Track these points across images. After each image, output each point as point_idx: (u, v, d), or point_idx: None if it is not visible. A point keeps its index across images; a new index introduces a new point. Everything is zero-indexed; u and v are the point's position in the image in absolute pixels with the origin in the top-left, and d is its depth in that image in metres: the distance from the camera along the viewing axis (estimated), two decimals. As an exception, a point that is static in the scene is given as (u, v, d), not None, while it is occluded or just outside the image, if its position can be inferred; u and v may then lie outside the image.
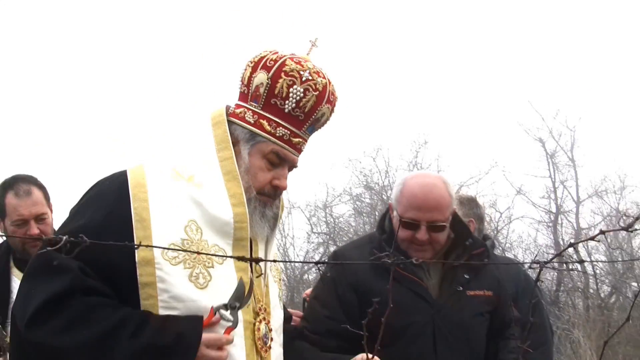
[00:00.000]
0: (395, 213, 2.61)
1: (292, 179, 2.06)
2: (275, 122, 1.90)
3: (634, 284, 12.07)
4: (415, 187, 2.56)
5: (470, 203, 3.88)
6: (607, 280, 12.97)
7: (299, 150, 1.98)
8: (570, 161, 14.59)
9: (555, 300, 12.28)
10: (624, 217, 1.47)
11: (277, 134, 1.90)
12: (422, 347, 2.48)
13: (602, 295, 12.47)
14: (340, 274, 2.56)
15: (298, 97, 1.89)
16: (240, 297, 1.81)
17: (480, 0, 24.17)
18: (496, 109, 24.47)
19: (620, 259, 12.76)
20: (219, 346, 1.74)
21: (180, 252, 1.75)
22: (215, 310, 1.75)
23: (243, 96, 1.97)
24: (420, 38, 24.14)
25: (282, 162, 1.94)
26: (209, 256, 1.78)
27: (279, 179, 1.95)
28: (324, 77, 1.94)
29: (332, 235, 15.19)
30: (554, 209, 14.52)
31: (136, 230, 1.75)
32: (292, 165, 1.98)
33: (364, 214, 15.39)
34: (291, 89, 1.88)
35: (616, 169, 13.77)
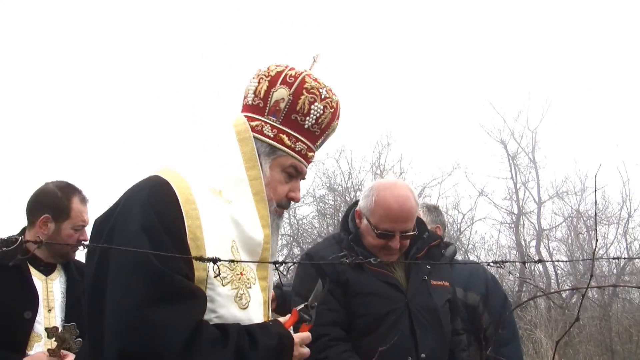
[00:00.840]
0: (365, 220, 2.82)
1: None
2: (294, 137, 1.95)
3: (594, 283, 12.16)
4: (391, 199, 2.73)
5: (436, 210, 4.14)
6: (568, 281, 13.05)
7: (309, 164, 2.05)
8: (532, 163, 14.72)
9: (517, 301, 12.30)
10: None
11: (296, 149, 1.96)
12: (402, 331, 2.70)
13: (563, 295, 12.54)
14: (323, 272, 2.74)
15: (318, 114, 1.96)
16: (319, 298, 1.93)
17: (442, 3, 24.29)
18: (458, 110, 24.65)
19: (580, 260, 12.87)
20: (306, 343, 1.86)
21: (229, 272, 1.76)
22: (298, 312, 1.89)
23: (257, 109, 1.98)
24: (382, 41, 24.16)
25: (298, 175, 2.00)
26: (248, 277, 1.82)
27: (294, 192, 2.00)
28: (336, 95, 2.02)
29: (295, 237, 15.02)
30: (515, 210, 14.63)
31: (191, 249, 1.70)
32: (302, 178, 2.05)
33: (328, 216, 15.26)
34: (312, 106, 1.94)
35: (577, 171, 13.93)
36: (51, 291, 3.03)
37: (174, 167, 1.87)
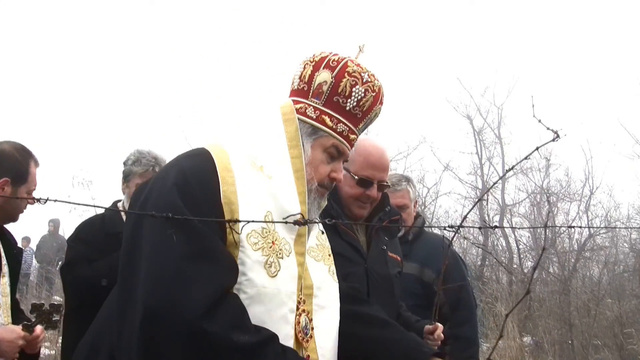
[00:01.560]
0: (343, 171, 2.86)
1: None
2: (336, 118, 2.00)
3: (555, 259, 12.24)
4: (371, 148, 2.80)
5: (416, 185, 4.40)
6: (530, 256, 13.13)
7: (352, 146, 2.08)
8: (497, 138, 14.72)
9: (479, 275, 12.33)
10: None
11: (338, 130, 2.00)
12: None
13: (524, 270, 12.61)
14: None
15: (359, 97, 2.00)
16: None
17: (413, -22, 24.02)
18: (425, 85, 24.57)
19: (536, 228, 12.93)
20: None
21: (260, 239, 1.81)
22: None
23: (302, 93, 2.04)
24: (350, 13, 23.89)
25: (340, 156, 2.04)
26: (280, 248, 1.85)
27: (336, 172, 2.04)
28: (378, 80, 2.05)
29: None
30: (480, 185, 14.66)
31: (225, 213, 1.76)
32: (345, 160, 2.08)
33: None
34: (354, 89, 1.99)
35: (542, 148, 13.82)
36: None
37: (220, 142, 1.95)
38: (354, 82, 1.99)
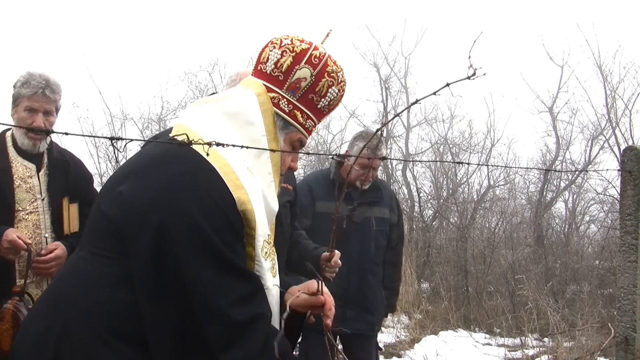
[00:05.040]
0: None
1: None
2: (307, 114, 2.00)
3: (454, 208, 12.38)
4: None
5: None
6: (430, 205, 13.22)
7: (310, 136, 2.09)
8: (403, 88, 14.59)
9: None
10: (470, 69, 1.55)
11: (306, 125, 2.02)
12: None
13: (425, 219, 12.69)
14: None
15: (332, 97, 2.03)
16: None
17: None
18: (333, 31, 24.18)
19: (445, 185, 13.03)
20: None
21: (267, 246, 1.86)
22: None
23: (276, 81, 1.98)
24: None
25: (300, 147, 2.06)
26: (271, 247, 1.92)
27: (294, 162, 2.11)
28: (345, 76, 2.06)
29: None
30: (385, 134, 14.52)
31: (247, 235, 1.77)
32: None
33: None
34: (330, 89, 2.01)
35: (446, 99, 13.85)
36: None
37: (214, 150, 1.71)
38: (331, 83, 2.00)
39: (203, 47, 25.19)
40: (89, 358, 1.60)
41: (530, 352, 7.73)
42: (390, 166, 13.21)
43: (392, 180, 13.07)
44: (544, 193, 12.89)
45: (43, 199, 3.19)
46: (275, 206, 1.93)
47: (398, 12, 21.88)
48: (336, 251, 3.17)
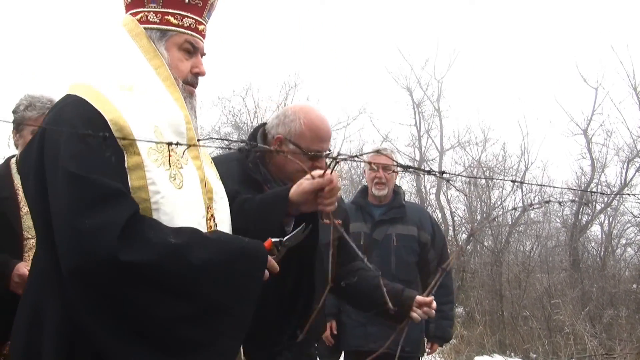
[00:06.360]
0: (290, 146, 2.80)
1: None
2: (179, 14, 2.00)
3: (489, 232, 12.37)
4: (318, 121, 2.79)
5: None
6: (464, 228, 13.23)
7: (204, 37, 2.09)
8: (436, 111, 14.71)
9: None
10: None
11: (185, 25, 2.01)
12: None
13: (459, 242, 12.70)
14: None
15: None
16: (294, 239, 1.99)
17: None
18: (366, 55, 24.44)
19: (479, 210, 13.05)
20: (270, 270, 1.90)
21: (158, 154, 1.83)
22: (272, 243, 1.93)
23: (137, 3, 2.02)
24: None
25: (196, 50, 2.05)
26: (177, 158, 1.89)
27: (197, 67, 2.06)
28: None
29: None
30: (417, 157, 14.64)
31: (118, 139, 1.76)
32: (202, 53, 2.09)
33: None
34: None
35: (479, 122, 13.99)
36: None
37: (83, 81, 1.92)
38: None
39: (236, 72, 25.56)
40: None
41: (567, 377, 7.70)
42: (423, 190, 13.30)
43: (425, 204, 13.14)
44: (579, 216, 12.80)
45: None
46: (177, 116, 1.94)
47: (430, 36, 22.14)
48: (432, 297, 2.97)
